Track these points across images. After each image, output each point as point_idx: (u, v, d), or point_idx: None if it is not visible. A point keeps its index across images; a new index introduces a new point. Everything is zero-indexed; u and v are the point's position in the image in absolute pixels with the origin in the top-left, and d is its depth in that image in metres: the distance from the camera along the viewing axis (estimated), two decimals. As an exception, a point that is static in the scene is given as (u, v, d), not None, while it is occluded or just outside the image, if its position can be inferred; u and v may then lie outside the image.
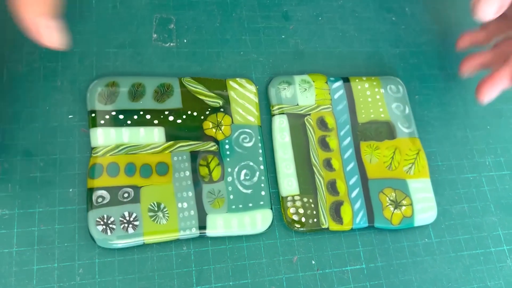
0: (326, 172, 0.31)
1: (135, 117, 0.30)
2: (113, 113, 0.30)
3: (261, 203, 0.30)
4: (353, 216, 0.30)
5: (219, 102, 0.32)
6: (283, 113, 0.32)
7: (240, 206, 0.29)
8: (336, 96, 0.34)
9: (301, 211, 0.30)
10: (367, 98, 0.34)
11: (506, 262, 0.33)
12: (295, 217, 0.30)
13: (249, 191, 0.30)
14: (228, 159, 0.30)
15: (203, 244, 0.29)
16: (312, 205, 0.30)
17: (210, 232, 0.28)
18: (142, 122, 0.30)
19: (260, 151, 0.31)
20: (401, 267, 0.31)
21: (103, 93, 0.30)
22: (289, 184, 0.30)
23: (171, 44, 0.34)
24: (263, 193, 0.30)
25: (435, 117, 0.36)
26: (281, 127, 0.32)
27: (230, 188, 0.30)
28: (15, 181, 0.28)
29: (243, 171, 0.30)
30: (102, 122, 0.30)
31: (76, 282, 0.27)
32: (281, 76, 0.34)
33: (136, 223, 0.28)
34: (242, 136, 0.31)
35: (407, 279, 0.31)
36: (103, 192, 0.28)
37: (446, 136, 0.36)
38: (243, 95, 0.33)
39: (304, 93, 0.33)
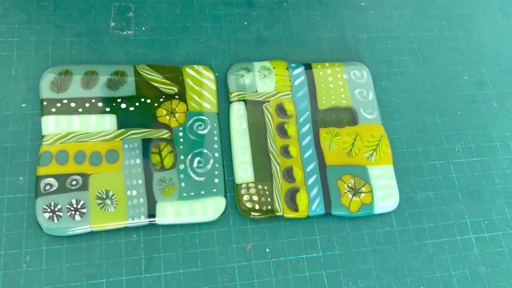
0: (283, 159, 0.31)
1: (87, 104, 0.30)
2: (65, 101, 0.30)
3: (214, 190, 0.29)
4: (309, 203, 0.30)
5: (174, 89, 0.31)
6: (241, 100, 0.32)
7: (192, 193, 0.29)
8: (296, 82, 0.33)
9: (255, 198, 0.29)
10: (329, 84, 0.34)
11: (472, 251, 0.32)
12: (249, 205, 0.29)
13: (202, 179, 0.30)
14: (181, 147, 0.30)
15: (153, 232, 0.29)
16: (267, 192, 0.30)
17: (159, 220, 0.28)
18: (93, 110, 0.30)
19: (216, 138, 0.31)
20: (360, 256, 0.30)
21: (56, 81, 0.30)
22: (244, 171, 0.30)
23: (129, 32, 0.34)
24: (216, 180, 0.30)
25: (402, 103, 0.35)
26: (238, 114, 0.31)
27: (182, 176, 0.29)
28: (-35, 170, 0.28)
29: (197, 159, 0.30)
30: (53, 110, 0.29)
31: (23, 269, 0.27)
32: (240, 63, 0.33)
33: (84, 210, 0.27)
34: (197, 124, 0.31)
35: (366, 267, 0.30)
36: (51, 180, 0.28)
37: (413, 123, 0.35)
38: (200, 82, 0.32)
39: (263, 80, 0.33)
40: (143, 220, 0.28)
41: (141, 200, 0.28)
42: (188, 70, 0.32)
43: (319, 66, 0.34)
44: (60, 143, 0.29)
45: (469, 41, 0.39)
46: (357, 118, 0.33)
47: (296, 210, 0.30)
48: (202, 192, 0.29)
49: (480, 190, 0.34)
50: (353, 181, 0.31)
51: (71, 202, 0.27)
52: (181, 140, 0.30)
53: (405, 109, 0.35)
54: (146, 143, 0.30)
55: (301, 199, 0.30)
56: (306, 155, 0.31)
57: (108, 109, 0.30)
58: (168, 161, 0.30)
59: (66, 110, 0.30)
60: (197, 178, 0.30)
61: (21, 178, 0.29)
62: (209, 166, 0.30)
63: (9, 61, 0.31)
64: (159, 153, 0.30)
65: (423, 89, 0.36)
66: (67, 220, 0.27)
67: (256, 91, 0.32)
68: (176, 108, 0.31)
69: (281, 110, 0.32)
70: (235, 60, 0.34)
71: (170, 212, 0.28)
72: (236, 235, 0.30)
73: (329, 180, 0.31)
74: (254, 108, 0.32)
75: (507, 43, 0.39)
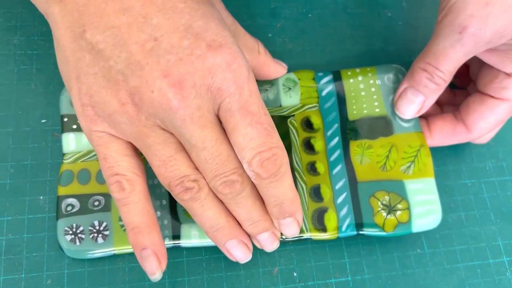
0: (310, 176, 0.29)
1: (109, 121, 0.29)
2: (86, 117, 0.29)
3: (240, 211, 0.28)
4: (338, 223, 0.28)
5: (198, 105, 0.30)
6: None
7: (217, 214, 0.28)
8: (324, 93, 0.32)
9: None
10: (360, 92, 0.31)
11: (506, 274, 0.31)
12: None
13: (227, 199, 0.28)
14: (205, 165, 0.29)
15: (178, 255, 0.28)
16: None
17: (184, 242, 0.27)
18: (116, 127, 0.29)
19: (241, 156, 0.30)
20: (390, 280, 0.29)
21: (77, 96, 0.29)
22: None
23: (151, 44, 0.32)
24: (242, 201, 0.29)
25: (431, 119, 0.34)
26: None
27: (207, 196, 0.28)
28: (-16, 188, 0.27)
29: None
30: (74, 127, 0.29)
31: (44, 293, 0.26)
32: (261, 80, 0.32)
33: (106, 232, 0.26)
34: (221, 141, 0.30)
35: (396, 292, 0.29)
36: (73, 200, 0.27)
37: (443, 139, 0.34)
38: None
39: (287, 93, 0.31)
40: (168, 243, 0.27)
41: (165, 221, 0.27)
42: (212, 85, 0.31)
43: (349, 73, 0.32)
44: (82, 161, 0.28)
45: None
46: (392, 128, 0.31)
47: (325, 231, 0.28)
48: (228, 213, 0.28)
49: (512, 210, 0.33)
50: (388, 198, 0.29)
51: (94, 224, 0.27)
52: (206, 158, 0.29)
53: (435, 126, 0.34)
54: (170, 162, 0.29)
55: (330, 220, 0.28)
56: (335, 171, 0.30)
57: (130, 126, 0.29)
58: (192, 181, 0.29)
59: (87, 126, 0.29)
60: (222, 199, 0.28)
61: (41, 197, 0.28)
62: (234, 186, 0.29)
63: (28, 74, 0.30)
64: (184, 172, 0.29)
65: (452, 104, 0.35)
66: (90, 242, 0.26)
67: (280, 106, 0.31)
68: (201, 125, 0.30)
69: (307, 124, 0.31)
70: (259, 73, 0.33)
71: (195, 234, 0.27)
72: (263, 259, 0.29)
73: (360, 198, 0.29)
74: (278, 123, 0.30)
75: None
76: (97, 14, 0.21)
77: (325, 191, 0.29)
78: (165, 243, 0.27)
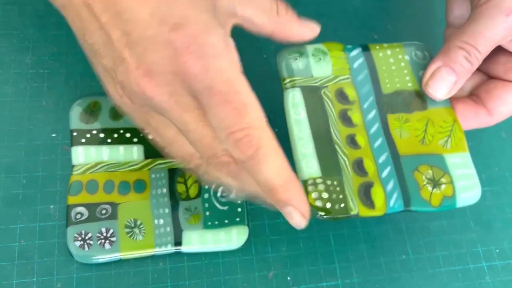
0: (351, 150, 0.28)
1: (115, 135, 0.31)
2: (94, 131, 0.31)
3: (237, 219, 0.30)
4: (386, 199, 0.27)
5: (198, 121, 0.33)
6: (295, 86, 0.29)
7: (216, 222, 0.30)
8: (355, 65, 0.31)
9: (325, 195, 0.26)
10: (391, 66, 0.31)
11: (485, 278, 0.33)
12: (319, 203, 0.26)
13: (225, 208, 0.31)
14: (205, 176, 0.31)
15: (179, 260, 0.30)
16: (338, 188, 0.27)
17: (185, 248, 0.29)
18: (121, 141, 0.31)
19: (238, 168, 0.32)
20: (377, 283, 0.31)
21: (85, 112, 0.31)
22: (308, 165, 0.27)
23: (154, 64, 0.35)
24: (239, 209, 0.31)
25: (415, 134, 0.37)
26: (294, 102, 0.29)
27: (206, 205, 0.30)
28: (-2, 198, 0.29)
29: (220, 188, 0.31)
30: (83, 140, 0.31)
31: (54, 296, 0.28)
32: (290, 47, 0.30)
33: (113, 239, 0.28)
34: (220, 154, 0.32)
35: (383, 295, 0.31)
36: (82, 209, 0.29)
37: (426, 153, 0.36)
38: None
39: (318, 63, 0.30)
40: (170, 249, 0.29)
41: (168, 228, 0.29)
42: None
43: (377, 47, 0.32)
44: (90, 173, 0.30)
45: (477, 73, 0.40)
46: (426, 102, 0.30)
47: (373, 207, 0.26)
48: (226, 221, 0.30)
49: (491, 219, 0.35)
50: (431, 172, 0.28)
51: (101, 231, 0.29)
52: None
53: (418, 140, 0.37)
54: (172, 173, 0.31)
55: (377, 194, 0.27)
56: (376, 144, 0.28)
57: (135, 140, 0.31)
58: (193, 191, 0.31)
59: (95, 140, 0.31)
60: (221, 207, 0.31)
61: (51, 206, 0.30)
62: (232, 196, 0.31)
63: (39, 92, 0.33)
64: (185, 183, 0.31)
65: (435, 120, 0.38)
66: (97, 248, 0.28)
67: (312, 76, 0.30)
68: (200, 139, 0.32)
69: (341, 95, 0.29)
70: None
71: (195, 241, 0.29)
72: (258, 263, 0.31)
73: (405, 172, 0.28)
74: (311, 94, 0.29)
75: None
76: (89, 18, 0.22)
77: (369, 165, 0.28)
78: (168, 249, 0.29)
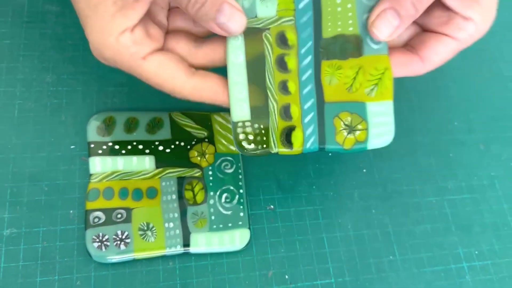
0: (281, 96, 0.30)
1: (129, 147, 0.34)
2: (110, 144, 0.34)
3: (240, 223, 0.34)
4: (304, 141, 0.30)
5: (204, 133, 0.36)
6: None
7: (221, 225, 0.33)
8: (301, 5, 0.31)
9: (251, 137, 0.29)
10: (337, 7, 0.31)
11: (465, 278, 0.36)
12: (245, 144, 0.29)
13: (229, 213, 0.34)
14: (210, 184, 0.34)
15: (187, 260, 0.33)
16: (263, 132, 0.29)
17: (193, 249, 0.32)
18: (135, 152, 0.34)
19: (240, 176, 0.35)
20: (367, 282, 0.34)
21: (101, 126, 0.35)
22: (240, 109, 0.29)
23: (163, 82, 0.38)
24: (241, 214, 0.34)
25: (401, 146, 0.40)
26: (235, 45, 0.29)
27: (212, 210, 0.34)
28: (23, 204, 0.32)
29: (224, 195, 0.34)
30: (100, 152, 0.34)
31: (74, 293, 0.30)
32: None
33: (128, 240, 0.31)
34: (224, 164, 0.35)
35: (373, 292, 0.34)
36: (99, 213, 0.32)
37: (411, 164, 0.40)
38: (226, 127, 0.37)
39: (264, 2, 0.30)
40: (179, 249, 0.32)
41: (177, 231, 0.32)
42: (216, 117, 0.37)
43: None
44: (106, 180, 0.33)
45: (457, 91, 0.44)
46: (362, 49, 0.31)
47: (291, 148, 0.29)
48: (230, 225, 0.33)
49: (471, 224, 0.38)
50: (350, 119, 0.30)
51: (117, 233, 0.31)
52: (211, 178, 0.35)
53: (404, 151, 0.40)
54: (180, 181, 0.34)
55: (297, 137, 0.29)
56: (305, 91, 0.30)
57: (147, 151, 0.34)
58: (199, 197, 0.34)
59: (110, 151, 0.34)
60: (225, 212, 0.34)
61: (71, 211, 0.33)
62: (235, 201, 0.34)
63: (59, 108, 0.36)
64: (192, 190, 0.34)
65: (419, 134, 0.41)
66: (113, 249, 0.31)
67: (256, 17, 0.30)
68: (206, 150, 0.35)
69: (282, 39, 0.30)
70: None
71: (202, 242, 0.32)
72: (259, 263, 0.34)
73: (326, 118, 0.30)
74: (253, 37, 0.30)
75: (491, 93, 0.45)
76: None
77: (295, 111, 0.30)
78: (177, 250, 0.32)
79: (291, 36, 0.30)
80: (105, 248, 0.31)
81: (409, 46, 0.33)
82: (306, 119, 0.30)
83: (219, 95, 0.29)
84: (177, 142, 0.35)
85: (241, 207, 0.34)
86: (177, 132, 0.36)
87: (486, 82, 0.45)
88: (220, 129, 0.36)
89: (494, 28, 0.48)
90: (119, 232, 0.31)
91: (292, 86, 0.30)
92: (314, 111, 0.30)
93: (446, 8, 0.31)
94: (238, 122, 0.29)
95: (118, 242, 0.31)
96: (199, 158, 0.35)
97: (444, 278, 0.36)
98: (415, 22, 0.34)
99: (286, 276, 0.33)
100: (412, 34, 0.34)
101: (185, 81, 0.28)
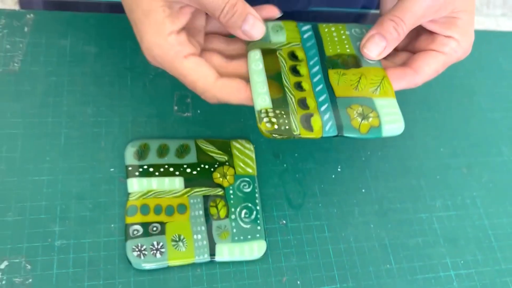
0: (297, 91, 0.34)
1: (161, 169, 0.40)
2: (145, 166, 0.39)
3: (257, 235, 0.39)
4: (322, 125, 0.33)
5: (225, 158, 0.42)
6: (256, 48, 0.36)
7: (241, 237, 0.38)
8: (305, 36, 0.38)
9: (274, 120, 0.32)
10: (334, 37, 0.38)
11: (453, 284, 0.41)
12: (269, 125, 0.32)
13: (248, 226, 0.39)
14: (231, 201, 0.40)
15: (213, 267, 0.38)
16: (284, 116, 0.33)
17: (218, 258, 0.37)
18: (166, 173, 0.40)
19: (257, 195, 0.41)
20: (367, 287, 0.40)
21: (137, 151, 0.40)
22: (262, 100, 0.33)
23: (188, 114, 0.44)
24: (258, 228, 0.39)
25: (393, 168, 0.46)
26: (255, 58, 0.35)
27: (233, 224, 0.39)
28: (71, 219, 0.37)
29: (244, 211, 0.40)
30: (136, 173, 0.39)
31: (116, 295, 0.35)
32: None
33: (163, 250, 0.36)
34: (242, 184, 0.41)
35: (373, 296, 0.39)
36: (138, 227, 0.37)
37: (403, 184, 0.45)
38: (244, 152, 0.42)
39: (276, 34, 0.37)
40: (206, 258, 0.37)
41: (204, 242, 0.37)
42: (234, 143, 0.43)
43: (324, 25, 0.40)
44: (143, 198, 0.38)
45: (443, 121, 0.51)
46: (361, 63, 0.37)
47: (312, 130, 0.33)
48: (249, 237, 0.38)
49: (456, 237, 0.44)
50: (361, 109, 0.34)
51: (153, 244, 0.36)
52: (232, 196, 0.40)
53: (397, 174, 0.46)
54: (206, 199, 0.39)
55: (316, 122, 0.33)
56: (317, 88, 0.35)
57: (177, 173, 0.40)
58: (222, 213, 0.39)
59: (146, 173, 0.39)
60: (244, 226, 0.39)
61: (112, 225, 0.38)
62: (252, 217, 0.40)
63: (99, 136, 0.41)
64: (216, 206, 0.39)
65: (409, 158, 0.47)
66: (150, 257, 0.36)
67: (270, 41, 0.37)
68: (227, 172, 0.41)
69: (292, 55, 0.36)
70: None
71: (225, 252, 0.37)
72: (274, 271, 0.39)
73: (339, 108, 0.34)
74: (269, 53, 0.36)
75: (472, 123, 0.51)
76: None
77: (311, 102, 0.34)
78: (204, 258, 0.37)
79: (300, 54, 0.36)
80: (143, 257, 0.36)
81: (403, 64, 0.39)
82: (322, 108, 0.34)
83: (242, 91, 0.34)
84: (202, 165, 0.41)
85: (258, 221, 0.39)
86: (202, 156, 0.41)
87: (467, 113, 0.52)
88: (238, 154, 0.42)
89: (473, 67, 0.55)
90: (155, 243, 0.37)
91: (306, 85, 0.35)
92: (328, 102, 0.34)
93: (430, 32, 0.38)
94: (261, 110, 0.33)
95: (154, 251, 0.36)
96: (221, 179, 0.40)
97: (434, 284, 0.41)
98: (407, 50, 0.40)
99: (298, 282, 0.38)
100: (405, 59, 0.39)
101: (215, 80, 0.34)
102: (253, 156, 0.43)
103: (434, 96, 0.52)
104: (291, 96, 0.34)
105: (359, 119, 0.34)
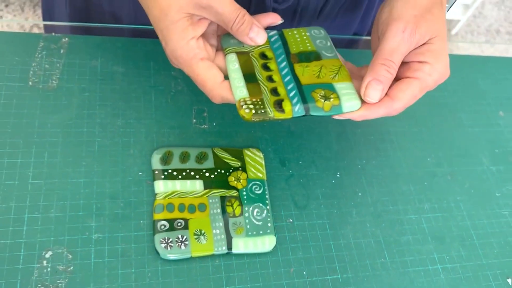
0: (269, 83, 0.41)
1: (184, 173, 0.45)
2: (169, 171, 0.45)
3: (268, 231, 0.44)
4: (292, 107, 0.39)
5: (238, 164, 0.47)
6: (233, 52, 0.42)
7: (254, 233, 0.44)
8: (273, 39, 0.44)
9: (251, 107, 0.39)
10: (297, 39, 0.45)
11: (440, 276, 0.47)
12: (247, 111, 0.38)
13: (260, 223, 0.44)
14: (245, 201, 0.45)
15: (229, 258, 0.43)
16: (260, 103, 0.39)
17: (234, 250, 0.42)
18: (188, 177, 0.45)
19: (266, 197, 0.46)
20: (365, 278, 0.45)
21: (162, 158, 0.46)
22: (241, 92, 0.40)
23: (205, 126, 0.50)
24: (269, 224, 0.44)
25: (385, 176, 0.52)
26: (232, 60, 0.42)
27: (247, 221, 0.44)
28: (105, 215, 0.42)
29: (256, 210, 0.45)
30: (162, 177, 0.45)
31: (146, 282, 0.40)
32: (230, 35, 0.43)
33: (186, 242, 0.42)
34: (254, 186, 0.46)
35: (370, 286, 0.44)
36: (164, 222, 0.42)
37: (394, 189, 0.51)
38: (254, 159, 0.48)
39: None
40: (224, 250, 0.42)
41: (222, 236, 0.43)
42: (246, 151, 0.48)
43: (287, 30, 0.46)
44: (168, 198, 0.44)
45: (429, 134, 0.57)
46: (320, 56, 0.43)
47: (283, 112, 0.39)
48: (261, 232, 0.44)
49: (442, 236, 0.49)
50: (323, 92, 0.40)
51: (178, 237, 0.42)
52: (245, 197, 0.45)
53: (390, 180, 0.52)
54: (223, 199, 0.45)
55: (286, 105, 0.39)
56: (286, 79, 0.41)
57: (197, 176, 0.45)
58: (237, 211, 0.44)
59: (170, 176, 0.45)
60: (256, 223, 0.44)
61: (141, 221, 0.43)
62: (263, 215, 0.45)
63: (128, 144, 0.47)
64: (232, 206, 0.45)
65: (400, 167, 0.53)
66: (176, 249, 0.41)
67: (243, 46, 0.43)
68: (240, 176, 0.47)
69: (263, 55, 0.43)
70: (274, 145, 0.50)
71: (241, 245, 0.43)
72: (283, 262, 0.44)
73: (305, 93, 0.40)
74: (243, 55, 0.42)
75: (455, 136, 0.57)
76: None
77: (281, 90, 0.40)
78: (222, 250, 0.42)
79: (269, 53, 0.43)
80: (170, 248, 0.41)
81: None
82: (291, 94, 0.40)
83: None
84: (219, 170, 0.46)
85: (268, 219, 0.45)
86: (218, 162, 0.47)
87: (451, 128, 0.58)
88: (250, 161, 0.48)
89: (456, 87, 0.62)
90: (179, 236, 0.42)
91: (276, 78, 0.41)
92: (295, 90, 0.40)
93: (406, 62, 0.42)
94: (240, 99, 0.39)
95: (180, 244, 0.41)
96: (235, 182, 0.46)
97: (423, 276, 0.46)
98: None
99: (304, 272, 0.44)
100: None
101: (221, 82, 0.40)
102: (263, 162, 0.48)
103: (421, 112, 0.59)
104: (264, 87, 0.40)
105: (322, 100, 0.39)
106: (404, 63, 0.42)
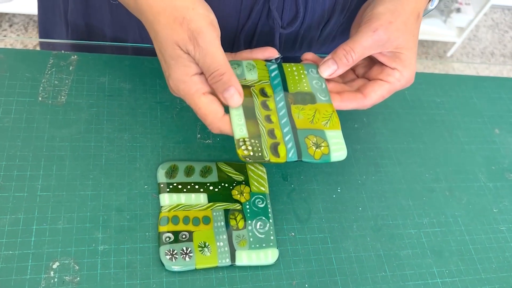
0: (267, 123, 0.42)
1: (188, 187, 0.46)
2: (174, 184, 0.46)
3: (271, 244, 0.45)
4: (286, 152, 0.41)
5: (241, 178, 0.48)
6: None
7: (257, 245, 0.44)
8: (272, 74, 0.46)
9: (250, 148, 0.40)
10: (295, 77, 0.46)
11: (439, 290, 0.48)
12: (245, 152, 0.40)
13: (262, 236, 0.45)
14: (248, 215, 0.46)
15: (233, 270, 0.44)
16: (257, 145, 0.40)
17: (237, 262, 0.43)
18: (193, 190, 0.46)
19: (269, 210, 0.47)
20: (366, 291, 0.46)
21: (167, 171, 0.47)
22: (240, 130, 0.41)
23: (209, 141, 0.51)
24: (271, 237, 0.45)
25: (385, 191, 0.53)
26: None
27: (250, 234, 0.45)
28: (111, 227, 0.43)
29: (258, 223, 0.46)
30: (167, 190, 0.46)
31: (151, 293, 0.41)
32: (232, 60, 0.46)
33: (191, 254, 0.42)
34: (257, 200, 0.47)
35: (371, 299, 0.45)
36: (169, 234, 0.43)
37: (394, 204, 0.52)
38: (257, 174, 0.49)
39: (249, 72, 0.45)
40: (227, 262, 0.43)
41: (226, 248, 0.44)
42: (249, 166, 0.50)
43: (287, 65, 0.48)
44: (173, 211, 0.45)
45: (427, 151, 0.58)
46: (315, 100, 0.45)
47: (278, 156, 0.41)
48: (264, 245, 0.45)
49: (441, 250, 0.50)
50: (315, 139, 0.42)
51: (183, 249, 0.43)
52: (248, 210, 0.46)
53: (389, 195, 0.53)
54: (226, 212, 0.46)
55: (281, 149, 0.41)
56: (283, 121, 0.43)
57: (201, 190, 0.46)
58: (241, 224, 0.45)
59: (175, 190, 0.46)
60: (259, 236, 0.45)
61: (147, 233, 0.44)
62: (266, 228, 0.46)
63: (134, 158, 0.48)
64: (235, 219, 0.46)
65: (399, 182, 0.54)
66: (180, 261, 0.42)
67: (245, 79, 0.44)
68: (244, 190, 0.48)
69: (263, 92, 0.44)
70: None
71: (244, 258, 0.44)
72: (286, 275, 0.45)
73: (299, 138, 0.42)
74: (244, 89, 0.43)
75: (452, 153, 0.59)
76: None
77: (277, 132, 0.42)
78: (226, 262, 0.43)
79: (269, 91, 0.44)
80: (174, 260, 0.42)
81: (357, 90, 0.48)
82: (286, 138, 0.42)
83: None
84: (222, 184, 0.47)
85: (271, 232, 0.46)
86: (222, 176, 0.48)
87: (448, 145, 0.60)
88: (253, 175, 0.49)
89: (452, 106, 0.64)
90: (184, 248, 0.43)
91: (274, 118, 0.43)
92: (290, 133, 0.42)
93: (381, 64, 0.48)
94: (240, 139, 0.41)
95: (184, 256, 0.42)
96: (239, 196, 0.47)
97: (423, 289, 0.47)
98: (364, 77, 0.50)
99: (306, 285, 0.44)
100: (361, 84, 0.49)
101: (222, 117, 0.41)
102: (265, 177, 0.49)
103: (419, 130, 0.60)
104: (263, 128, 0.42)
105: (314, 148, 0.42)
106: (379, 65, 0.47)
